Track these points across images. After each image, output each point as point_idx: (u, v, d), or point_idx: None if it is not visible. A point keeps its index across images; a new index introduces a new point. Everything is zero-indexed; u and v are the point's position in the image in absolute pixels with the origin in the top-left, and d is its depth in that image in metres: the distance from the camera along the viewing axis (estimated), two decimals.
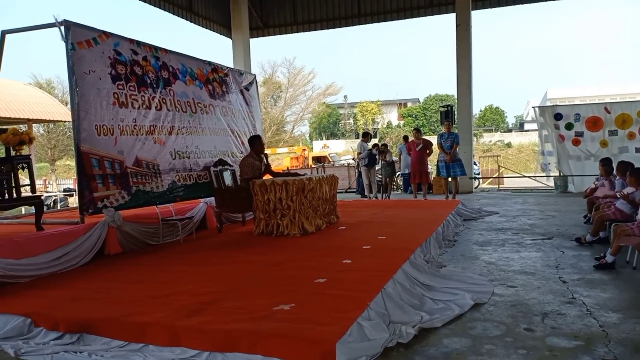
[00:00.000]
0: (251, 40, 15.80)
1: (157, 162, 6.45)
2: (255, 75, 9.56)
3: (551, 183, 13.90)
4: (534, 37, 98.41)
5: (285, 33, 16.58)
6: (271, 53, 58.99)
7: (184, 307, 3.44)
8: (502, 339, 3.12)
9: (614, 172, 6.91)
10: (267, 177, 7.01)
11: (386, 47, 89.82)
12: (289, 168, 21.72)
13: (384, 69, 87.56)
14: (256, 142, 7.19)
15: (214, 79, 7.92)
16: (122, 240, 5.79)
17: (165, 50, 6.95)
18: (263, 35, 16.65)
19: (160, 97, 6.65)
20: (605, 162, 7.35)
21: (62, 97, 29.07)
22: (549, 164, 13.47)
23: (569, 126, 12.90)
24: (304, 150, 30.35)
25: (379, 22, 15.76)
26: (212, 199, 7.21)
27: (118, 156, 5.92)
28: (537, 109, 13.94)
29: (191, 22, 14.53)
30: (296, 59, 46.47)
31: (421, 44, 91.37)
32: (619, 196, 5.89)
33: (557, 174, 13.31)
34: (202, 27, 14.98)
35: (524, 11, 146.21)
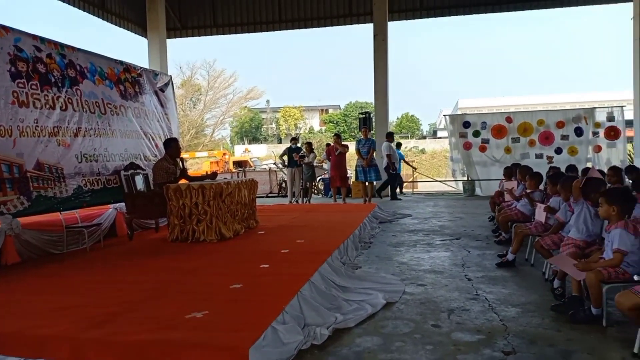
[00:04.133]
0: (168, 40, 15.35)
1: (61, 166, 6.03)
2: (171, 76, 9.27)
3: (460, 187, 14.71)
4: (449, 50, 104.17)
5: (205, 35, 16.29)
6: (190, 55, 57.67)
7: (89, 318, 3.24)
8: (411, 336, 3.24)
9: (517, 176, 7.47)
10: (183, 181, 6.82)
11: (308, 53, 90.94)
12: (208, 172, 21.24)
13: (306, 75, 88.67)
14: (172, 146, 6.97)
15: (126, 79, 7.57)
16: (21, 249, 5.38)
17: (73, 48, 6.55)
18: (181, 36, 16.24)
19: (65, 96, 6.24)
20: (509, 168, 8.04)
21: None
22: (455, 170, 14.28)
23: (476, 134, 13.74)
24: (224, 154, 29.84)
25: (299, 28, 15.94)
26: (123, 204, 6.88)
27: (17, 159, 5.46)
28: (447, 117, 14.71)
29: (103, 19, 13.85)
30: (216, 61, 45.54)
31: (343, 52, 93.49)
32: (517, 194, 6.36)
33: (465, 179, 14.11)
34: (115, 25, 14.33)
35: (440, 25, 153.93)
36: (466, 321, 3.50)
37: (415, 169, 13.32)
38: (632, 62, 13.11)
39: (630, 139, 13.68)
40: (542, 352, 2.95)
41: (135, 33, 15.10)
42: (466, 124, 13.83)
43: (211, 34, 16.25)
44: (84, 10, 12.99)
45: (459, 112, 32.64)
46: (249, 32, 16.16)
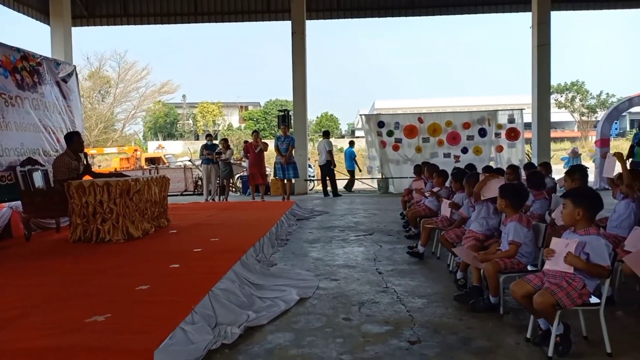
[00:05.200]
0: (74, 29, 14.37)
1: None
2: (75, 67, 8.69)
3: (375, 184, 15.14)
4: (367, 51, 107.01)
5: (114, 24, 15.46)
6: (99, 45, 54.40)
7: None
8: (322, 330, 3.28)
9: (425, 173, 7.81)
10: (87, 178, 6.41)
11: (228, 49, 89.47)
12: (116, 169, 20.19)
13: (225, 71, 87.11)
14: (74, 140, 6.53)
15: (23, 67, 6.98)
16: None
17: None
18: (88, 25, 15.29)
19: None
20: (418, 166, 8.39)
21: None
22: (372, 167, 14.70)
23: (390, 133, 14.21)
24: (135, 150, 28.39)
25: (216, 22, 15.60)
26: (19, 202, 6.35)
27: None
28: (363, 116, 15.08)
29: (1, 4, 12.70)
30: (128, 52, 43.17)
31: (264, 49, 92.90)
32: (427, 195, 6.66)
33: (380, 177, 14.56)
34: (15, 10, 13.22)
35: (358, 27, 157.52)
36: (375, 313, 3.60)
37: (335, 166, 13.69)
38: (530, 68, 14.19)
39: (528, 140, 14.82)
40: (445, 341, 3.10)
41: (37, 20, 14.01)
42: (381, 124, 14.27)
43: (121, 24, 15.45)
44: None
45: (375, 112, 33.62)
46: (162, 23, 15.56)
